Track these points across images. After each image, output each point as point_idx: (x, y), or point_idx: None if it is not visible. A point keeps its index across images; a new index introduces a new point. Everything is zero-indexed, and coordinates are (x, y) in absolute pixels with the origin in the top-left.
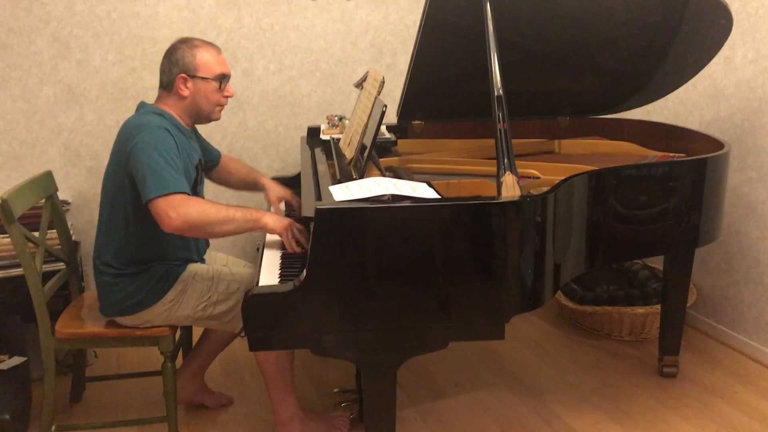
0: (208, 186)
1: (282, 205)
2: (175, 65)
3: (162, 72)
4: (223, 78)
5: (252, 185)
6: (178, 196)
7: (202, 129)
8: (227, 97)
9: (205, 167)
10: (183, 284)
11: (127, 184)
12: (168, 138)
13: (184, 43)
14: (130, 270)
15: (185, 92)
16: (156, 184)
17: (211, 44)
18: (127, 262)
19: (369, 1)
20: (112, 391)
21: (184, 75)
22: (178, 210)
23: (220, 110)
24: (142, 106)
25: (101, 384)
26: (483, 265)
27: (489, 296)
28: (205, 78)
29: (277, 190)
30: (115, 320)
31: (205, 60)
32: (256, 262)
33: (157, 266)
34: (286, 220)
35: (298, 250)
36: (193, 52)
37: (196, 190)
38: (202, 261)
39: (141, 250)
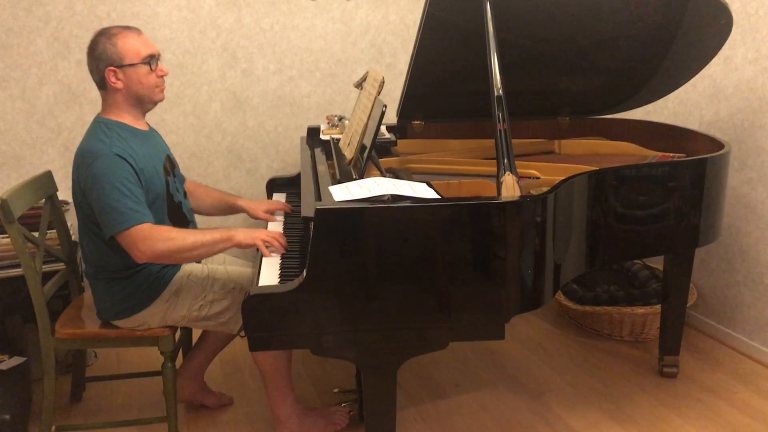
0: None
1: (276, 216)
2: (101, 60)
3: (91, 72)
4: (151, 59)
5: (227, 209)
6: (143, 228)
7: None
8: (162, 76)
9: None
10: (177, 284)
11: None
12: (121, 166)
13: (102, 35)
14: (123, 273)
15: (119, 84)
16: (116, 220)
17: (130, 28)
18: (120, 265)
19: (369, 1)
20: (112, 391)
21: (112, 68)
22: (145, 243)
23: (161, 91)
24: (95, 119)
25: (101, 384)
26: (483, 266)
27: (489, 296)
28: (133, 64)
29: (260, 205)
30: (113, 323)
31: (128, 46)
32: (256, 262)
33: (150, 267)
34: (256, 232)
35: (281, 250)
36: (113, 42)
37: (169, 190)
38: (198, 260)
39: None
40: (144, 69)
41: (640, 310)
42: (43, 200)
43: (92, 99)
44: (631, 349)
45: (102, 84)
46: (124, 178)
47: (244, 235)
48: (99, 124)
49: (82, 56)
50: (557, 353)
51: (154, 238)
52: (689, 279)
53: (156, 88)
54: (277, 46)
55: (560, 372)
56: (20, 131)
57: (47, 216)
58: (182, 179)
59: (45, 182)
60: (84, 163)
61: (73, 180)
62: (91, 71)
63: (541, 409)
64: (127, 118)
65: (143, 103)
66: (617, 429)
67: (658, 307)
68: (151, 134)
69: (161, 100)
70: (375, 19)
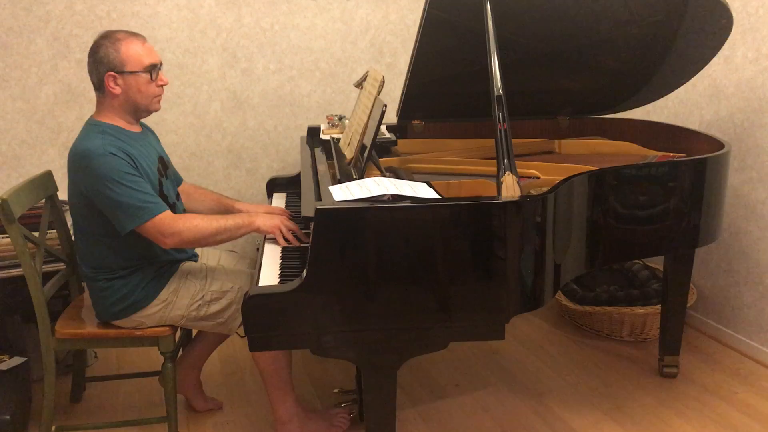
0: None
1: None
2: (101, 64)
3: (90, 73)
4: (153, 68)
5: (225, 213)
6: (165, 217)
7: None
8: (162, 85)
9: None
10: (176, 284)
11: (94, 208)
12: (118, 162)
13: (106, 38)
14: (122, 272)
15: (117, 90)
16: (134, 215)
17: (134, 34)
18: (119, 265)
19: (369, 1)
20: (112, 391)
21: (112, 73)
22: (171, 230)
23: (159, 100)
24: (87, 121)
25: (101, 384)
26: (483, 266)
27: (489, 296)
28: (135, 72)
29: (258, 209)
30: (111, 324)
31: (131, 53)
32: (256, 262)
33: (148, 266)
34: (276, 218)
35: (295, 243)
36: (116, 47)
37: (163, 191)
38: (195, 258)
39: (129, 252)
40: (144, 78)
41: (640, 310)
42: (43, 200)
43: (92, 99)
44: (631, 349)
45: (99, 87)
46: (126, 172)
47: (263, 221)
48: (92, 126)
49: (82, 56)
50: (557, 353)
51: (179, 225)
52: (689, 279)
53: (155, 98)
54: (277, 46)
55: (560, 372)
56: (20, 131)
57: (47, 216)
58: (177, 181)
59: (45, 182)
60: (81, 165)
61: (69, 182)
62: (90, 72)
63: (541, 409)
64: (120, 122)
65: (138, 111)
66: (617, 429)
67: (658, 307)
68: (144, 135)
69: (157, 110)
70: (375, 19)
